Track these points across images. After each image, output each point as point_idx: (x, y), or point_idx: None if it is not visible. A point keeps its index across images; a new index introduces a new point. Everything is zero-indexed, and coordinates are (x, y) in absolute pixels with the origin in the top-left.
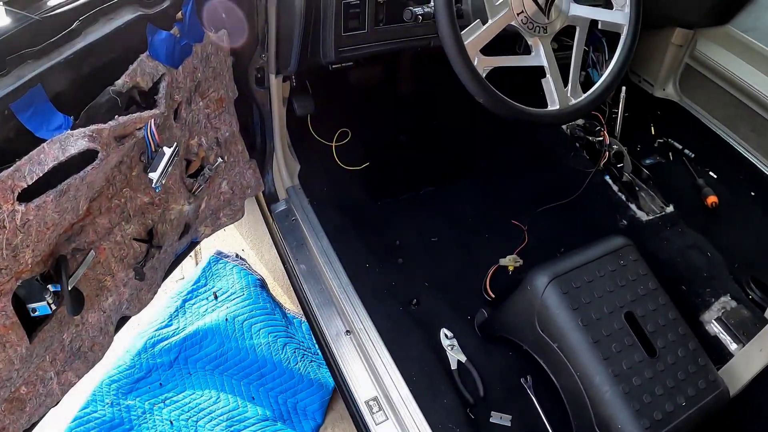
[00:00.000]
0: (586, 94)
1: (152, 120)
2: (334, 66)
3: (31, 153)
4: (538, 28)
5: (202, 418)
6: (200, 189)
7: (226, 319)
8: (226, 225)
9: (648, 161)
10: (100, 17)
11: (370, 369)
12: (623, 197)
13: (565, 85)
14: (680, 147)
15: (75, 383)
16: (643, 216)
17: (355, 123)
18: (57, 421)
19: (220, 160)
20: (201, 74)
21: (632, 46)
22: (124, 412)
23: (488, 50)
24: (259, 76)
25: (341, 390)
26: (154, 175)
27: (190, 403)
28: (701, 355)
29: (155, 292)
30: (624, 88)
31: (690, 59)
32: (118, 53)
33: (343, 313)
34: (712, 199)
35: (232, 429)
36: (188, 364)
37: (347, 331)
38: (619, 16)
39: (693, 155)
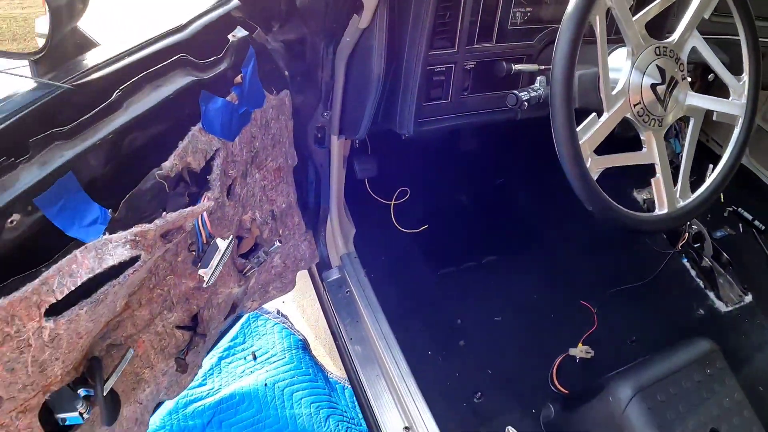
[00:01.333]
0: (695, 195)
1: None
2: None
3: (60, 262)
4: (653, 121)
5: None
6: (252, 271)
7: (266, 384)
8: (275, 298)
9: (719, 234)
10: (145, 85)
11: None
12: (701, 284)
13: (674, 184)
14: (750, 218)
15: None
16: (722, 306)
17: (414, 181)
18: None
19: (277, 243)
20: (259, 143)
21: (746, 140)
22: None
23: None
24: (319, 135)
25: None
26: (205, 272)
27: None
28: None
29: (195, 374)
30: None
31: (762, 121)
32: (165, 128)
33: (402, 407)
34: None
35: None
36: (222, 429)
37: (406, 428)
38: (735, 107)
39: (763, 227)
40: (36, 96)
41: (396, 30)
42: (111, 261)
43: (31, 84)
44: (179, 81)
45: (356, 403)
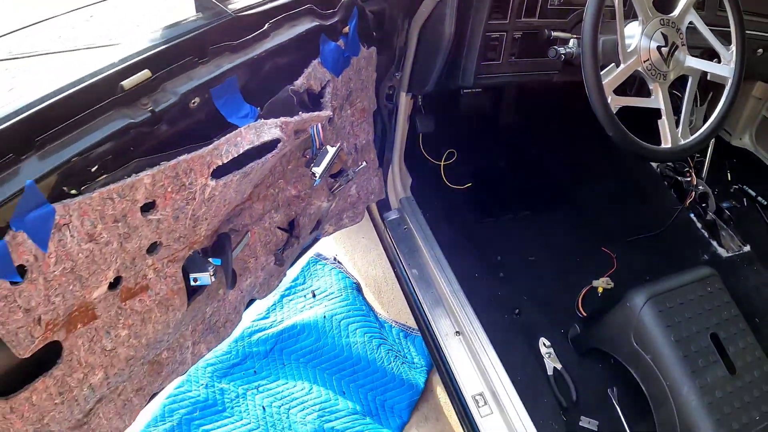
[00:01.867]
0: (694, 136)
1: (318, 126)
2: (465, 90)
3: (228, 135)
4: (658, 75)
5: (295, 406)
6: (340, 189)
7: (324, 317)
8: (347, 227)
9: (725, 205)
10: (286, 22)
11: (477, 367)
12: (706, 234)
13: (677, 126)
14: (754, 194)
15: (204, 355)
16: (723, 253)
17: (461, 146)
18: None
19: (363, 163)
20: (353, 84)
21: (734, 97)
22: (218, 395)
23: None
24: (389, 92)
25: (447, 385)
26: (318, 170)
27: (283, 391)
28: None
29: (281, 280)
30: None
31: (767, 112)
32: (296, 57)
33: (453, 316)
34: None
35: (323, 419)
36: (283, 356)
37: (457, 332)
38: (726, 70)
39: (765, 203)
40: (210, 19)
41: (464, 2)
42: (266, 137)
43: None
44: (307, 24)
45: (403, 340)
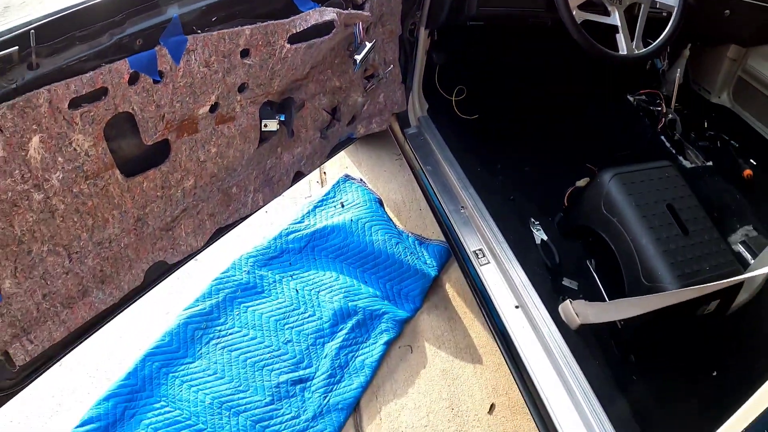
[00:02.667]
0: (645, 49)
1: (361, 21)
2: (471, 22)
3: (301, 14)
4: (615, 1)
5: (323, 290)
6: (372, 87)
7: (351, 220)
8: (375, 130)
9: (700, 143)
10: None
11: (477, 229)
12: (674, 151)
13: (632, 40)
14: (727, 138)
15: (260, 207)
16: (687, 164)
17: (469, 83)
18: (200, 279)
19: (391, 66)
20: (385, 8)
21: (679, 22)
22: (258, 279)
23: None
24: (412, 28)
25: (452, 245)
26: (358, 57)
27: (314, 279)
28: (722, 242)
29: (322, 162)
30: (681, 69)
31: (742, 72)
32: None
33: (459, 196)
34: (747, 173)
35: (348, 299)
36: (314, 252)
37: (462, 207)
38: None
39: (737, 145)
40: None
41: None
42: (327, 17)
43: None
44: None
45: (418, 246)
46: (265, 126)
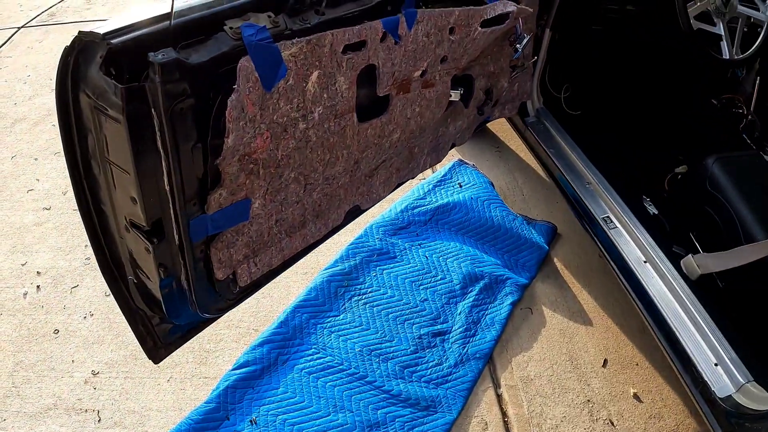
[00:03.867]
0: (742, 55)
1: (526, 15)
2: (593, 26)
3: (490, 4)
4: (719, 14)
5: (450, 257)
6: (515, 76)
7: (471, 198)
8: (505, 116)
9: None
10: None
11: (603, 201)
12: (754, 147)
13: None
14: None
15: (425, 169)
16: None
17: (574, 81)
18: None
19: (535, 58)
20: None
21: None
22: (390, 246)
23: None
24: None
25: (581, 214)
26: (519, 46)
27: (440, 248)
28: None
29: (469, 138)
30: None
31: None
32: None
33: (583, 173)
34: None
35: (474, 265)
36: (438, 225)
37: (587, 183)
38: (762, 16)
39: None
40: None
41: None
42: (508, 9)
43: None
44: None
45: (526, 225)
46: (450, 96)
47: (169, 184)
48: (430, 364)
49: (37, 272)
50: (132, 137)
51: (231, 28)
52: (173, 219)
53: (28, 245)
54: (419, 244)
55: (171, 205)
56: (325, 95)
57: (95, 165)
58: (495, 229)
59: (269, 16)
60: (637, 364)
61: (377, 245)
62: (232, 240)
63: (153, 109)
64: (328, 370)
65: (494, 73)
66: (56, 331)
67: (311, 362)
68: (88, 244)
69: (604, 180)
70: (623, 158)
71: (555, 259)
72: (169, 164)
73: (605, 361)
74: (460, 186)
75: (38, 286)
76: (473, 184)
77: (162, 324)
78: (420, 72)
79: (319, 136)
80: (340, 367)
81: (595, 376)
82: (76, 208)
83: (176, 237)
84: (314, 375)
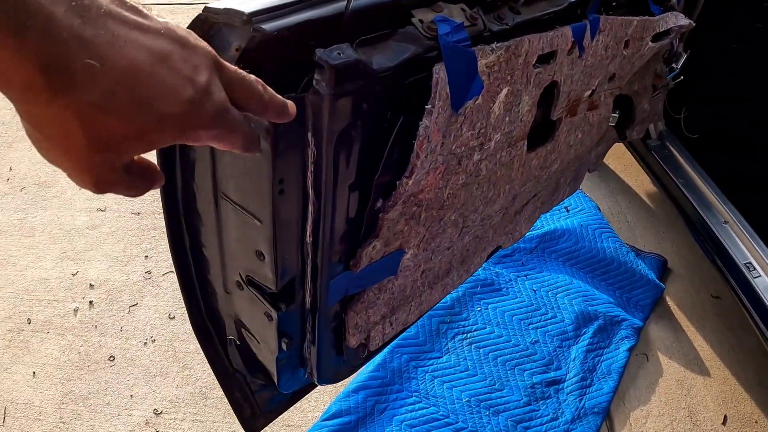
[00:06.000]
0: None
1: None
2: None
3: (659, 17)
4: None
5: (561, 292)
6: (656, 96)
7: (581, 225)
8: (634, 138)
9: None
10: None
11: (743, 243)
12: None
13: None
14: None
15: (560, 201)
16: None
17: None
18: None
19: (681, 78)
20: None
21: None
22: (494, 276)
23: None
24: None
25: (715, 256)
26: (675, 66)
27: (548, 280)
28: None
29: (601, 162)
30: None
31: None
32: None
33: (718, 209)
34: None
35: (587, 302)
36: (545, 254)
37: (725, 222)
38: None
39: None
40: None
41: None
42: (680, 22)
43: None
44: None
45: (634, 258)
46: (609, 120)
47: (314, 236)
48: (545, 419)
49: (90, 285)
50: (275, 172)
51: (422, 21)
52: (310, 281)
53: (80, 252)
54: (525, 275)
55: (311, 264)
56: (507, 119)
57: (202, 198)
58: (607, 263)
59: (463, 10)
60: (756, 422)
61: (481, 275)
62: (373, 299)
63: (310, 133)
64: (432, 423)
65: (638, 92)
66: (112, 358)
67: (413, 413)
68: (149, 255)
69: (742, 219)
70: (759, 191)
71: (667, 297)
72: (319, 210)
73: (725, 417)
74: (567, 210)
75: (91, 302)
76: (581, 209)
77: (263, 390)
78: (590, 91)
79: (489, 168)
80: (446, 420)
81: None
82: (136, 211)
83: (308, 301)
84: (416, 429)
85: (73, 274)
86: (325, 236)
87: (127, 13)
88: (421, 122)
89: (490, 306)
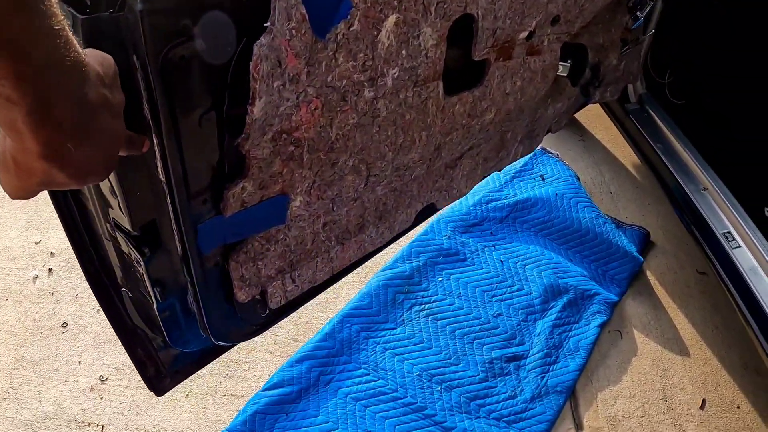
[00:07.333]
0: None
1: None
2: None
3: None
4: None
5: (530, 263)
6: (627, 52)
7: (555, 194)
8: (606, 100)
9: None
10: None
11: (722, 211)
12: None
13: None
14: None
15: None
16: None
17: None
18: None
19: (652, 31)
20: None
21: None
22: (459, 246)
23: None
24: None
25: (692, 225)
26: (640, 14)
27: (518, 251)
28: None
29: (565, 124)
30: None
31: None
32: None
33: (698, 175)
34: None
35: (557, 275)
36: (516, 224)
37: (703, 188)
38: None
39: None
40: None
41: None
42: None
43: None
44: None
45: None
46: (559, 69)
47: (165, 173)
48: (502, 396)
49: (51, 253)
50: None
51: None
52: (173, 223)
53: (45, 221)
54: (494, 246)
55: (170, 204)
56: (403, 52)
57: None
58: (582, 233)
59: None
60: (738, 407)
61: (445, 244)
62: (261, 250)
63: (134, 56)
64: (379, 398)
65: (603, 46)
66: (64, 324)
67: (359, 386)
68: None
69: (723, 186)
70: (740, 157)
71: (648, 272)
72: (163, 144)
73: (703, 401)
74: (543, 179)
75: (50, 270)
76: (557, 178)
77: (168, 348)
78: (527, 33)
79: (391, 109)
80: (394, 394)
81: (692, 419)
82: None
83: (178, 247)
84: (362, 402)
85: (36, 243)
86: (176, 172)
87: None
88: (256, 42)
89: (452, 276)
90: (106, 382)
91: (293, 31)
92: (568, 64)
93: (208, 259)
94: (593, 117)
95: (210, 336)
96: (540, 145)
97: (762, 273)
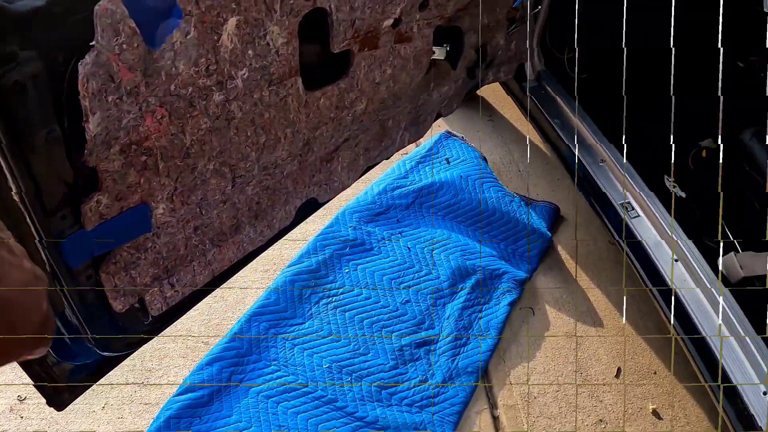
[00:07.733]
0: None
1: None
2: None
3: None
4: None
5: (437, 248)
6: (514, 31)
7: (460, 177)
8: (499, 80)
9: None
10: None
11: (620, 182)
12: None
13: None
14: None
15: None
16: None
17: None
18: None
19: (539, 8)
20: None
21: None
22: (365, 236)
23: None
24: None
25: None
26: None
27: (425, 236)
28: None
29: (457, 107)
30: None
31: None
32: None
33: (596, 148)
34: None
35: (465, 257)
36: (422, 209)
37: (601, 160)
38: None
39: None
40: None
41: None
42: None
43: None
44: None
45: (524, 207)
46: (433, 53)
47: (18, 193)
48: (413, 382)
49: None
50: None
51: None
52: (36, 240)
53: None
54: (400, 233)
55: (30, 222)
56: (250, 53)
57: None
58: (489, 214)
59: None
60: (655, 373)
61: (350, 235)
62: (132, 259)
63: None
64: (291, 393)
65: (488, 26)
66: None
67: (270, 383)
68: None
69: (620, 157)
70: (638, 130)
71: (559, 247)
72: (9, 164)
73: (618, 370)
74: (448, 162)
75: None
76: (463, 160)
77: (61, 363)
78: (392, 21)
79: (246, 110)
80: (305, 389)
81: (609, 389)
82: None
83: (46, 264)
84: (273, 399)
85: None
86: (25, 192)
87: None
88: (81, 61)
89: (359, 267)
90: (25, 401)
91: (123, 45)
92: (445, 48)
93: (78, 272)
94: (502, 97)
95: (95, 348)
96: (446, 129)
97: (662, 241)
